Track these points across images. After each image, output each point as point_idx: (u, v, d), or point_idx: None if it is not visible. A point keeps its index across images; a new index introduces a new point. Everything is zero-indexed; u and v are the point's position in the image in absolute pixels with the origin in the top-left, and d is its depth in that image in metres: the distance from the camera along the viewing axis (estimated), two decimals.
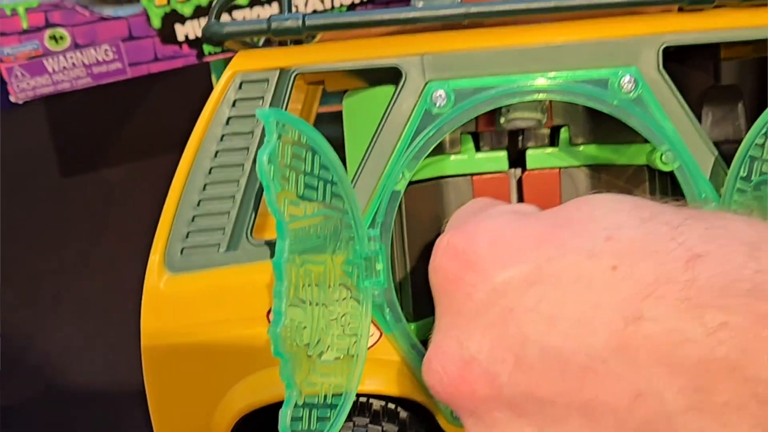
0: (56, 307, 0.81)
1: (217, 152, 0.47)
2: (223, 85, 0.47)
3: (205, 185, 0.47)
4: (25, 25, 0.67)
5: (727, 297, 0.22)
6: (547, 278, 0.25)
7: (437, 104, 0.47)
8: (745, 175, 0.46)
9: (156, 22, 0.70)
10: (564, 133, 0.52)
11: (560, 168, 0.52)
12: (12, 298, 0.81)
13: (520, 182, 0.53)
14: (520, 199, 0.52)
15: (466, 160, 0.52)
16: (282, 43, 0.49)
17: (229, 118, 0.47)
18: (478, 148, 0.52)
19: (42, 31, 0.67)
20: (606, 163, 0.52)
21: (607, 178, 0.52)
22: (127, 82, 0.73)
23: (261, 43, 0.53)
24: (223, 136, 0.47)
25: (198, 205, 0.47)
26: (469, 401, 0.27)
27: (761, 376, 0.21)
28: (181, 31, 0.70)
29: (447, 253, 0.28)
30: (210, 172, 0.47)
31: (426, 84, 0.47)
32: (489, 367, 0.26)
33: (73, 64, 0.69)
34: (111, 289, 0.82)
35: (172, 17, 0.70)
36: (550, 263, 0.26)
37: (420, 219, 0.51)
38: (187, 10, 0.70)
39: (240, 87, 0.47)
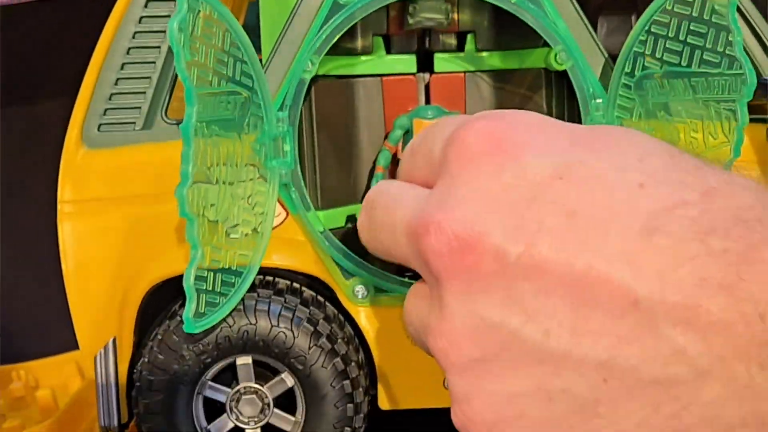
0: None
1: (135, 33, 0.50)
2: None
3: (123, 64, 0.50)
4: None
5: (732, 227, 0.24)
6: (575, 177, 0.26)
7: None
8: (629, 70, 0.49)
9: None
10: (470, 40, 0.55)
11: (465, 72, 0.55)
12: None
13: (427, 85, 0.56)
14: (428, 101, 0.55)
15: (376, 60, 0.55)
16: None
17: (147, 1, 0.50)
18: (388, 51, 0.55)
19: None
20: (508, 69, 0.55)
21: (508, 82, 0.55)
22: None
23: None
24: (141, 17, 0.50)
25: (116, 83, 0.50)
26: (467, 272, 0.27)
27: (749, 297, 0.24)
28: None
29: (480, 133, 0.28)
30: (128, 53, 0.50)
31: None
32: (501, 244, 0.26)
33: None
34: None
35: None
36: (581, 165, 0.27)
37: (330, 113, 0.54)
38: None
39: None
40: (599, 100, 0.50)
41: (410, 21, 0.53)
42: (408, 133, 0.54)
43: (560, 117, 0.53)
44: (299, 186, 0.50)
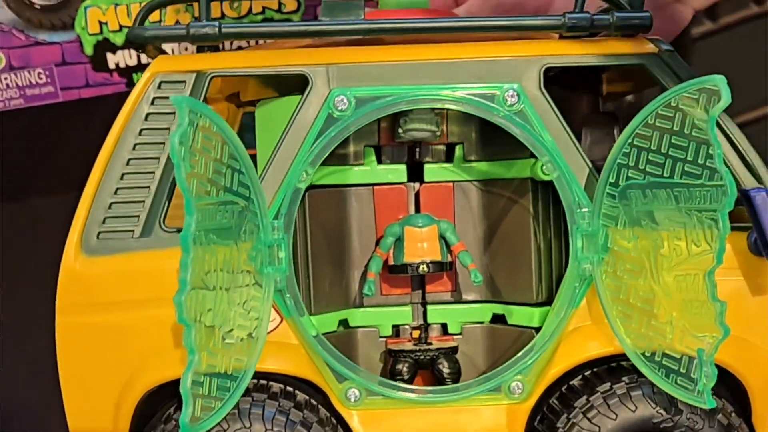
0: None
1: (135, 145, 0.51)
2: (143, 84, 0.51)
3: (122, 174, 0.51)
4: None
5: None
6: None
7: (339, 108, 0.51)
8: (613, 181, 0.51)
9: (88, 49, 0.74)
10: (458, 150, 0.57)
11: (454, 182, 0.57)
12: None
13: (417, 194, 0.57)
14: (417, 209, 0.57)
15: (368, 170, 0.56)
16: (200, 50, 0.53)
17: (147, 114, 0.51)
18: (380, 161, 0.57)
19: None
20: (495, 178, 0.56)
21: (495, 190, 0.57)
22: (56, 107, 0.76)
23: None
24: (141, 130, 0.51)
25: (115, 192, 0.51)
26: None
27: None
28: (112, 59, 0.75)
29: None
30: (128, 163, 0.51)
31: (330, 91, 0.52)
32: None
33: (7, 85, 0.73)
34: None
35: (104, 45, 0.74)
36: None
37: (323, 220, 0.55)
38: (118, 39, 0.74)
39: (159, 87, 0.51)
40: (585, 209, 0.52)
41: (401, 133, 0.55)
42: (399, 241, 0.56)
43: (546, 224, 0.55)
44: (294, 292, 0.52)
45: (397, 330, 0.58)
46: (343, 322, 0.57)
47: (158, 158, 0.52)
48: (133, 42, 0.52)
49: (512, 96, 0.52)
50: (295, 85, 0.53)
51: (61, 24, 0.73)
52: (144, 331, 0.51)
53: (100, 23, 0.73)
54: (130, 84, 0.76)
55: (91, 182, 0.51)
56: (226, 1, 0.73)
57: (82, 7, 0.73)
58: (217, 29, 0.51)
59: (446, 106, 0.52)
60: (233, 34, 0.52)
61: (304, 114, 0.52)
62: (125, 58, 0.75)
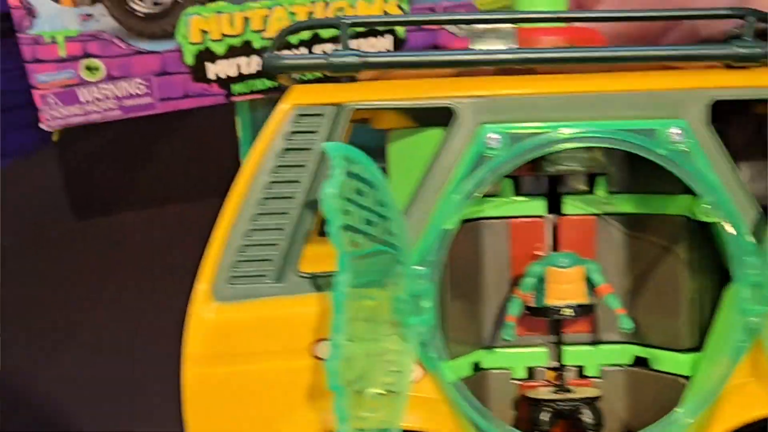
0: (67, 351, 0.80)
1: (269, 183, 0.48)
2: (279, 118, 0.48)
3: (256, 215, 0.48)
4: (62, 54, 0.67)
5: None
6: None
7: (490, 146, 0.47)
8: None
9: (189, 59, 0.71)
10: (601, 182, 0.53)
11: (596, 215, 0.53)
12: (18, 338, 0.80)
13: (555, 227, 0.53)
14: (555, 244, 0.53)
15: (504, 203, 0.53)
16: (333, 79, 0.49)
17: (283, 150, 0.48)
18: (516, 191, 0.53)
19: (78, 61, 0.68)
20: (642, 213, 0.52)
21: (642, 226, 0.53)
22: (151, 118, 0.73)
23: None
24: (276, 167, 0.48)
25: (248, 234, 0.48)
26: None
27: None
28: (212, 69, 0.71)
29: None
30: (261, 203, 0.48)
31: (478, 126, 0.48)
32: None
33: (106, 95, 0.69)
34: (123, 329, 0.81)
35: (205, 55, 0.71)
36: None
37: (455, 257, 0.51)
38: (220, 49, 0.71)
39: (296, 120, 0.48)
40: (753, 257, 0.48)
41: (547, 168, 0.51)
42: (541, 282, 0.52)
43: (701, 266, 0.51)
44: (437, 343, 0.48)
45: (530, 371, 0.54)
46: (476, 366, 0.54)
47: (293, 197, 0.48)
48: (270, 70, 0.48)
49: (677, 134, 0.48)
50: (434, 116, 0.49)
51: (162, 32, 0.69)
52: (278, 384, 0.48)
53: (202, 32, 0.70)
54: (229, 95, 0.72)
55: (223, 224, 0.48)
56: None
57: (184, 16, 0.69)
58: (360, 59, 0.47)
59: (603, 144, 0.48)
60: (377, 63, 0.48)
61: (450, 150, 0.48)
62: (225, 68, 0.71)
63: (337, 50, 0.48)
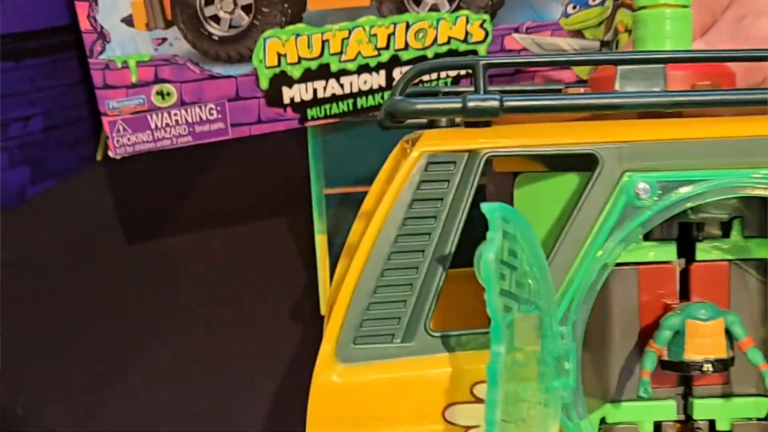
0: (121, 380, 0.77)
1: (398, 237, 0.44)
2: (410, 165, 0.44)
3: (383, 271, 0.44)
4: (134, 79, 0.64)
5: None
6: None
7: (641, 197, 0.44)
8: None
9: (264, 83, 0.67)
10: (736, 225, 0.49)
11: (730, 260, 0.50)
12: (71, 370, 0.77)
13: (685, 272, 0.50)
14: (686, 290, 0.50)
15: (633, 248, 0.49)
16: (467, 124, 0.46)
17: (413, 201, 0.44)
18: (646, 237, 0.50)
19: (150, 86, 0.64)
20: None
21: None
22: (219, 144, 0.69)
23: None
24: (405, 219, 0.44)
25: (375, 292, 0.44)
26: None
27: None
28: (288, 93, 0.68)
29: None
30: (389, 258, 0.44)
31: (622, 174, 0.44)
32: None
33: (177, 121, 0.66)
34: (177, 360, 0.78)
35: (281, 79, 0.67)
36: None
37: None
38: (296, 72, 0.67)
39: (426, 168, 0.44)
40: None
41: (691, 216, 0.47)
42: (677, 334, 0.48)
43: None
44: (580, 406, 0.45)
45: (656, 425, 0.51)
46: (602, 421, 0.50)
47: (423, 251, 0.44)
48: (397, 115, 0.44)
49: None
50: (568, 161, 0.45)
51: (238, 56, 0.66)
52: None
53: (279, 55, 0.66)
54: (303, 120, 0.69)
55: (348, 281, 0.44)
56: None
57: (262, 39, 0.65)
58: (499, 102, 0.44)
59: (758, 192, 0.45)
60: (517, 108, 0.44)
61: (592, 200, 0.44)
62: (300, 92, 0.68)
63: (470, 92, 0.44)
